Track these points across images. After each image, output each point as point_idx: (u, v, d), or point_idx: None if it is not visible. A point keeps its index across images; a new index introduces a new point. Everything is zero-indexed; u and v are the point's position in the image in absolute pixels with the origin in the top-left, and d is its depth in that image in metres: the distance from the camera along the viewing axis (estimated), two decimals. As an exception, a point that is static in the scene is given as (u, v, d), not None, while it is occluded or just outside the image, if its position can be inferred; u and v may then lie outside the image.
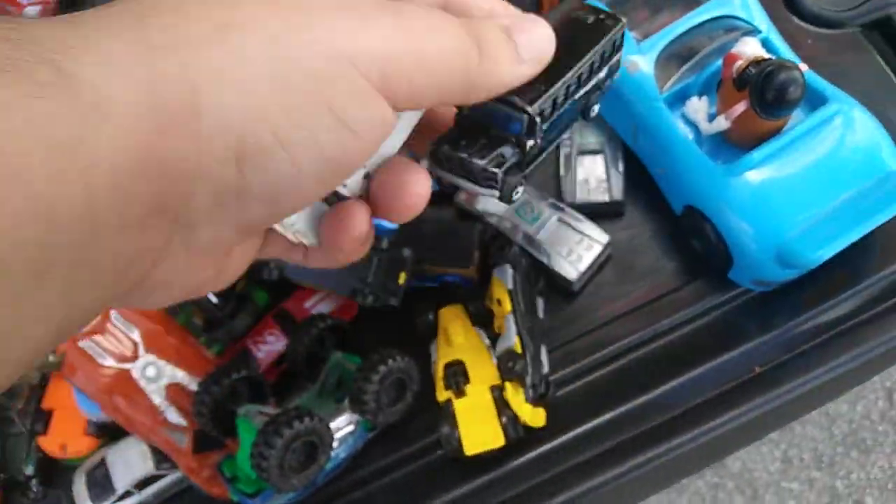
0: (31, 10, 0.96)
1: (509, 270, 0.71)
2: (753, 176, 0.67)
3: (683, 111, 0.73)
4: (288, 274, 0.75)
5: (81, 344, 0.70)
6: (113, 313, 0.71)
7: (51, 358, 0.80)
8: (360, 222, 0.32)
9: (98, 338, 0.70)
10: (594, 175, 0.80)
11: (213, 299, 0.74)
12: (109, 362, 0.70)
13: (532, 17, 0.32)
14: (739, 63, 0.66)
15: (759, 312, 0.74)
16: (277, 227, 0.33)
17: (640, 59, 0.74)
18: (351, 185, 0.33)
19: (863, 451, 1.62)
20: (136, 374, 0.70)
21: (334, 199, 0.33)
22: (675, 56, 0.75)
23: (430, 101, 0.29)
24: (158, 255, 0.26)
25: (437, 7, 0.32)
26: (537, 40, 0.31)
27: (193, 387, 0.72)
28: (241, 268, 0.32)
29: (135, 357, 0.71)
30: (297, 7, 0.26)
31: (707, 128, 0.71)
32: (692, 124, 0.73)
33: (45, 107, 0.20)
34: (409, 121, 0.33)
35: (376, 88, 0.27)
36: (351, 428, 0.69)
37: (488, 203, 0.79)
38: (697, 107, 0.72)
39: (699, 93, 0.73)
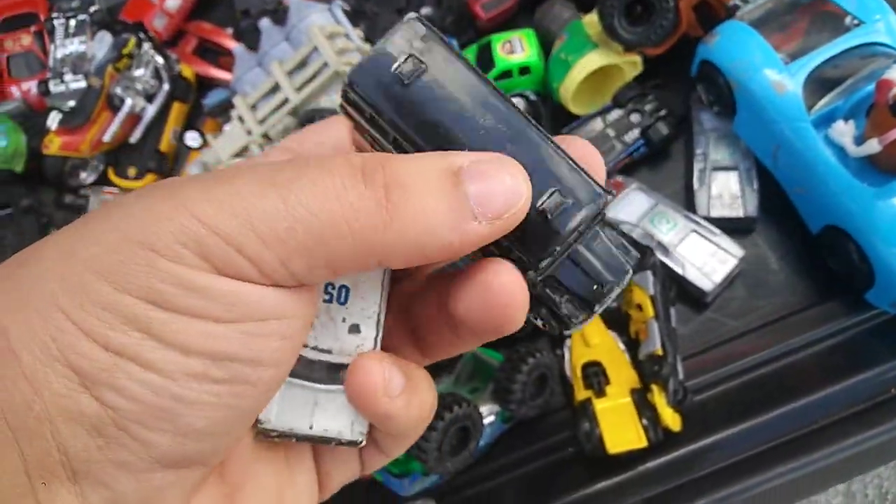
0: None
1: (650, 276, 0.73)
2: (906, 199, 0.69)
3: (828, 133, 0.74)
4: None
5: None
6: None
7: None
8: (379, 378, 0.27)
9: None
10: (728, 191, 0.82)
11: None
12: None
13: (499, 158, 0.25)
14: (896, 89, 0.68)
15: (894, 335, 0.74)
16: (309, 434, 0.29)
17: (787, 81, 0.75)
18: (343, 348, 0.29)
19: (931, 492, 1.60)
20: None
21: (336, 376, 0.29)
22: (821, 79, 0.76)
23: (333, 270, 0.24)
24: None
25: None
26: (500, 192, 0.24)
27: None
28: None
29: None
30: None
31: (855, 150, 0.72)
32: (836, 146, 0.74)
33: None
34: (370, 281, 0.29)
35: (214, 270, 0.23)
36: (491, 419, 0.70)
37: (620, 211, 0.81)
38: (844, 130, 0.73)
39: (845, 116, 0.74)
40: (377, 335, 0.29)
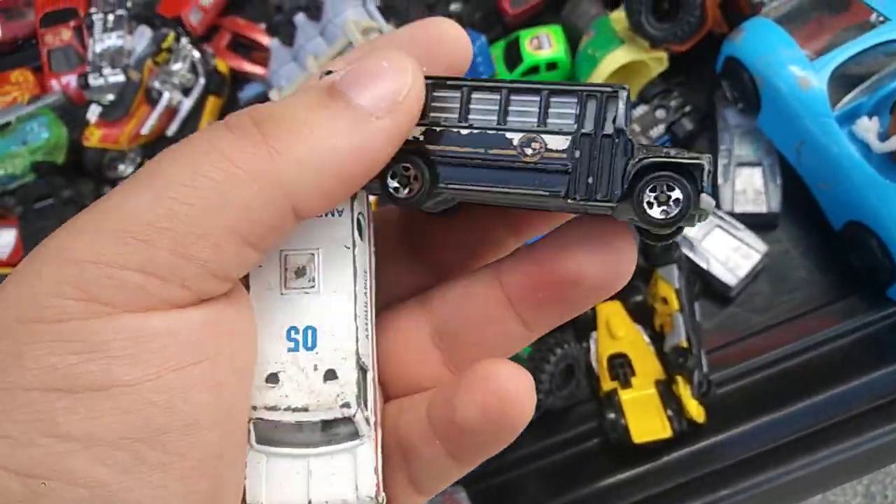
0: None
1: (676, 270, 0.74)
2: (928, 196, 0.69)
3: (852, 129, 0.75)
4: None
5: None
6: None
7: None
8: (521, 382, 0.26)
9: None
10: (752, 186, 0.83)
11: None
12: None
13: (372, 52, 0.25)
14: (922, 86, 0.68)
15: (917, 330, 0.75)
16: None
17: (812, 77, 0.76)
18: (321, 401, 0.25)
19: (952, 490, 1.60)
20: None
21: (323, 435, 0.26)
22: (846, 75, 0.77)
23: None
24: None
25: None
26: (384, 81, 0.24)
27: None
28: None
29: None
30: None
31: (879, 146, 0.73)
32: (860, 142, 0.75)
33: None
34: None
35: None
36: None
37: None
38: (868, 126, 0.74)
39: (870, 113, 0.75)
40: (359, 376, 0.26)
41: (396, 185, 0.26)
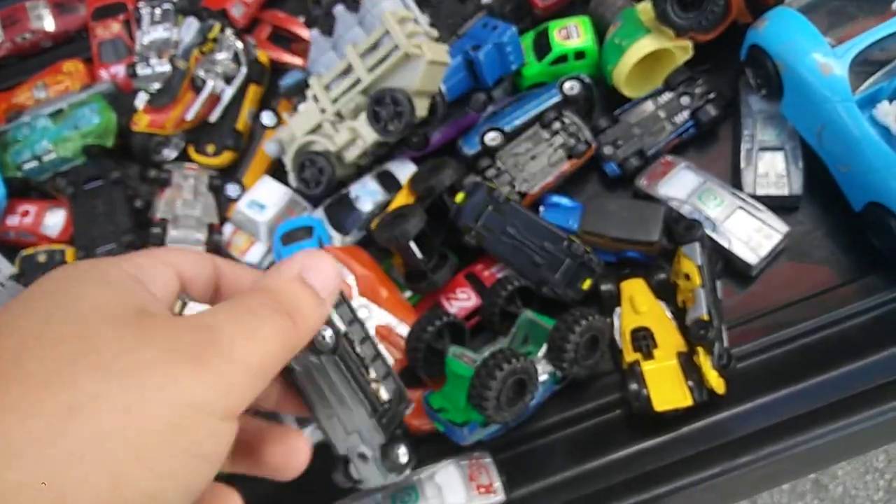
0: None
1: (698, 247, 0.77)
2: (947, 176, 0.72)
3: (873, 113, 0.77)
4: (486, 245, 0.83)
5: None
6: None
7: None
8: None
9: None
10: (774, 170, 0.85)
11: (419, 254, 0.82)
12: None
13: (316, 253, 0.34)
14: (941, 70, 0.71)
15: (935, 309, 0.77)
16: None
17: (834, 63, 0.79)
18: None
19: (978, 486, 1.59)
20: (350, 314, 0.79)
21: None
22: (866, 62, 0.79)
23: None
24: None
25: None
26: (328, 273, 0.33)
27: (399, 329, 0.79)
28: None
29: (350, 298, 0.79)
30: (135, 371, 0.26)
31: (899, 130, 0.75)
32: (880, 126, 0.77)
33: None
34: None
35: (227, 419, 0.28)
36: (544, 377, 0.75)
37: (670, 189, 0.85)
38: (889, 110, 0.76)
39: (890, 97, 0.77)
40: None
41: None
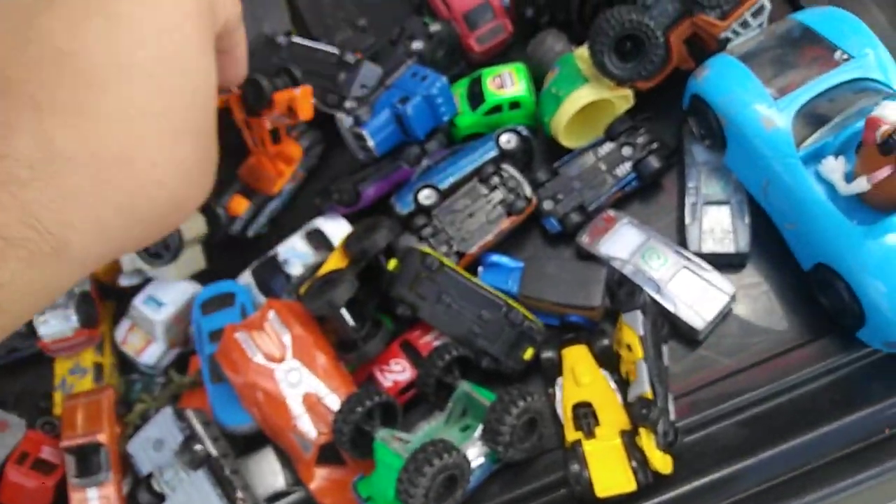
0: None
1: (640, 316, 0.73)
2: (894, 239, 0.68)
3: (818, 170, 0.74)
4: (422, 315, 0.78)
5: (237, 335, 0.74)
6: (271, 313, 0.76)
7: (184, 379, 0.84)
8: None
9: (254, 333, 0.74)
10: (720, 225, 0.81)
11: (351, 322, 0.77)
12: (258, 358, 0.74)
13: None
14: (885, 128, 0.67)
15: (888, 373, 0.74)
16: None
17: (776, 116, 0.75)
18: None
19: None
20: (279, 375, 0.74)
21: None
22: (811, 114, 0.76)
23: None
24: None
25: None
26: None
27: (329, 400, 0.74)
28: None
29: (282, 359, 0.75)
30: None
31: (845, 188, 0.71)
32: (826, 183, 0.73)
33: None
34: None
35: None
36: (481, 461, 0.70)
37: (612, 247, 0.81)
38: (834, 167, 0.72)
39: (835, 152, 0.74)
40: None
41: None
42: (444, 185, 0.86)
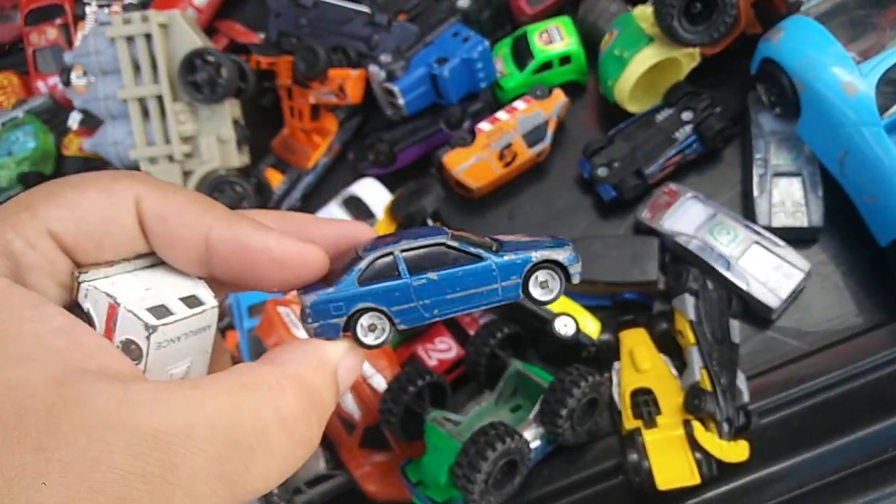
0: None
1: (690, 300, 0.68)
2: None
3: (904, 139, 0.68)
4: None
5: (280, 309, 0.70)
6: None
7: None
8: None
9: (296, 308, 0.70)
10: (791, 198, 0.76)
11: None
12: (301, 333, 0.69)
13: (351, 345, 0.30)
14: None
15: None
16: None
17: (859, 81, 0.69)
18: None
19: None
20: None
21: None
22: (895, 80, 0.70)
23: None
24: None
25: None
26: (354, 374, 0.30)
27: (374, 381, 0.71)
28: None
29: None
30: None
31: (933, 159, 0.66)
32: (912, 153, 0.68)
33: None
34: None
35: None
36: (537, 443, 0.66)
37: (676, 222, 0.76)
38: (921, 135, 0.67)
39: (922, 121, 0.68)
40: None
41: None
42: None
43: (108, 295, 0.25)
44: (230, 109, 0.80)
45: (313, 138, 0.89)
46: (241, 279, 0.28)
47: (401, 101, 0.82)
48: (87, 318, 0.26)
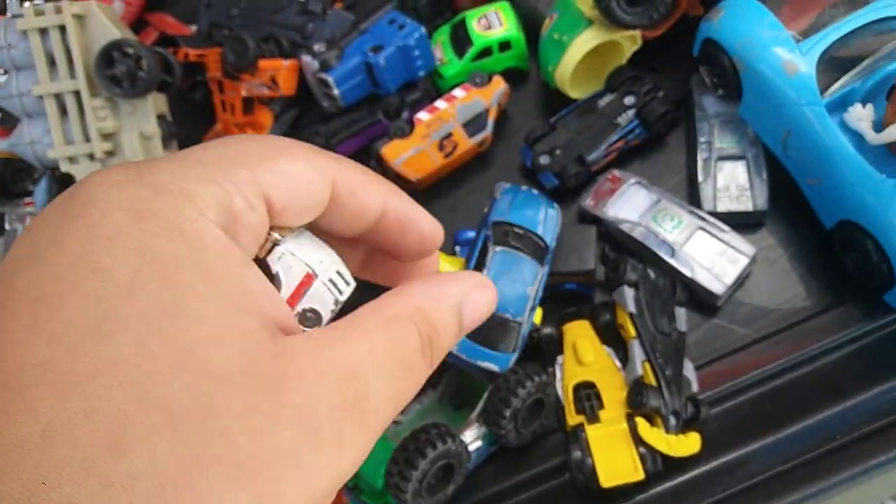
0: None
1: (629, 292, 0.66)
2: (930, 192, 0.61)
3: (845, 118, 0.67)
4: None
5: None
6: None
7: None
8: None
9: None
10: (735, 182, 0.74)
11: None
12: None
13: (481, 281, 0.29)
14: (922, 70, 0.60)
15: (919, 340, 0.68)
16: None
17: (799, 60, 0.68)
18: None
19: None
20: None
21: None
22: (836, 58, 0.68)
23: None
24: None
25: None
26: (483, 312, 0.28)
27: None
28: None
29: None
30: (267, 465, 0.21)
31: (874, 137, 0.64)
32: (853, 132, 0.67)
33: None
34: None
35: None
36: (478, 444, 0.64)
37: (619, 209, 0.74)
38: (862, 115, 0.66)
39: (863, 100, 0.67)
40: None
41: None
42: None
43: (307, 265, 0.26)
44: (154, 104, 0.77)
45: (247, 133, 0.86)
46: (385, 246, 0.30)
47: (336, 92, 0.79)
48: (271, 279, 0.26)
